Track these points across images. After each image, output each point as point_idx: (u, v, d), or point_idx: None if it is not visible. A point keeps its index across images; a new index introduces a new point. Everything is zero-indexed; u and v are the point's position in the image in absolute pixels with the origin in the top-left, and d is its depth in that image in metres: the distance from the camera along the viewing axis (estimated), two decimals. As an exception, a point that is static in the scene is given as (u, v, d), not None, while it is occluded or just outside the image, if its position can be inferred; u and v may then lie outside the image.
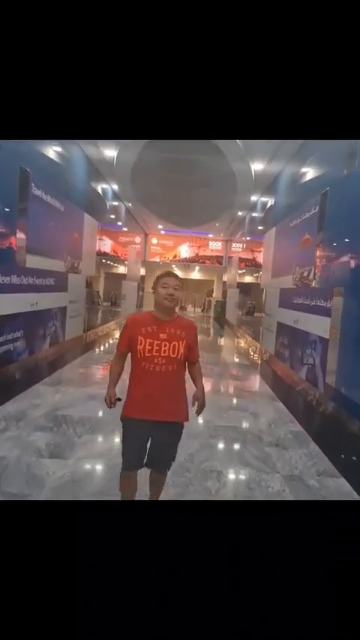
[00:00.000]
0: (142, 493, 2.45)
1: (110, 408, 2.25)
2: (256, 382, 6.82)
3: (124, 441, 2.21)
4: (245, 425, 4.35)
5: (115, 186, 12.83)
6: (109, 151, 10.29)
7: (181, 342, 2.12)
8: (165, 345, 2.10)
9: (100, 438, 3.66)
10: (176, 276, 2.22)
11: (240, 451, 3.63)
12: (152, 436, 2.20)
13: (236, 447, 3.72)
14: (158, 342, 2.11)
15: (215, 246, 22.68)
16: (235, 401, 5.36)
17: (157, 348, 2.10)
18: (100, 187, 12.30)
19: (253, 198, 13.03)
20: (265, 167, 10.37)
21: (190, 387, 2.30)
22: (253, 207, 14.25)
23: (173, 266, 26.70)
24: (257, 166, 10.40)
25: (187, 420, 2.25)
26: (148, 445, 2.22)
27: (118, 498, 2.33)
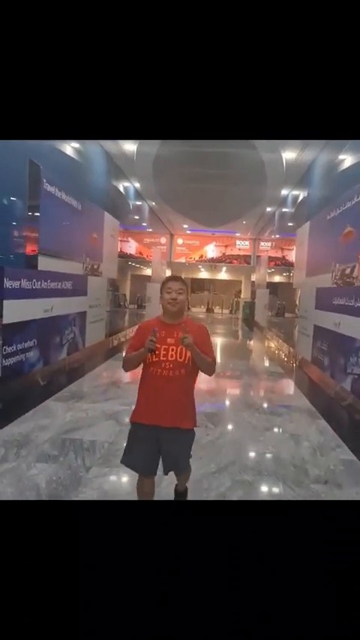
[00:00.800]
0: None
1: (152, 345, 2.06)
2: (292, 394, 6.11)
3: (128, 442, 2.21)
4: (286, 453, 3.68)
5: (138, 184, 12.29)
6: (129, 145, 9.72)
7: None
8: (172, 350, 2.10)
9: (111, 475, 3.07)
10: (180, 280, 2.20)
11: (282, 494, 2.96)
12: (161, 444, 2.15)
13: (276, 489, 3.04)
14: (166, 346, 2.10)
15: (243, 245, 21.91)
16: (269, 419, 4.69)
17: (165, 352, 2.09)
18: (121, 186, 11.82)
19: (284, 191, 12.25)
20: (298, 156, 9.58)
21: (198, 394, 2.24)
22: (283, 202, 13.46)
23: (200, 266, 26.10)
24: (289, 155, 9.62)
25: (195, 426, 2.22)
26: (160, 454, 2.18)
27: (118, 498, 2.32)
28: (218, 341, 13.21)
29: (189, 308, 24.92)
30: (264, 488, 3.00)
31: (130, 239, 20.27)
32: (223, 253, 22.00)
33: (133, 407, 2.21)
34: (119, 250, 20.77)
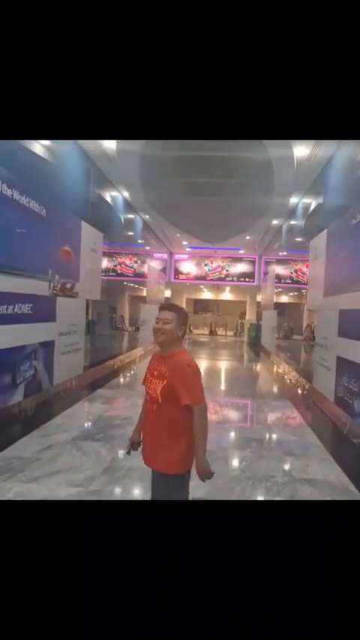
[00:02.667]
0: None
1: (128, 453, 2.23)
2: (312, 450, 4.55)
3: None
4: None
5: (126, 193, 10.99)
6: (110, 144, 8.33)
7: (160, 382, 1.99)
8: (152, 383, 2.05)
9: None
10: (168, 308, 2.09)
11: None
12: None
13: None
14: (150, 378, 2.07)
15: (247, 263, 20.56)
16: (284, 491, 3.15)
17: (149, 384, 2.07)
18: (108, 195, 10.50)
19: (293, 200, 10.87)
20: (311, 153, 8.13)
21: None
22: (291, 213, 12.08)
23: (201, 286, 24.75)
24: (300, 152, 8.19)
25: (172, 472, 1.99)
26: None
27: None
28: (222, 367, 11.71)
29: (191, 330, 23.50)
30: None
31: (124, 257, 18.99)
32: (227, 272, 20.61)
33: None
34: (114, 269, 19.58)
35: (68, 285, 6.91)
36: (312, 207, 10.29)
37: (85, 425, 4.98)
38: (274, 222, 13.43)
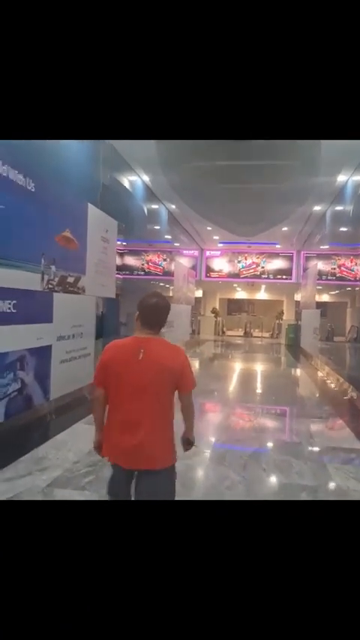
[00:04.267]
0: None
1: None
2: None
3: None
4: None
5: (146, 177, 9.76)
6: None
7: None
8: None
9: None
10: None
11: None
12: None
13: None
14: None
15: (284, 259, 18.95)
16: None
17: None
18: (126, 180, 9.32)
19: (341, 178, 9.29)
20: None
21: None
22: (338, 195, 10.48)
23: (235, 285, 23.32)
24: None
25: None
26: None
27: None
28: (258, 371, 10.33)
29: (224, 332, 22.13)
30: None
31: (151, 254, 17.82)
32: (263, 268, 19.07)
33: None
34: (142, 268, 18.47)
35: (70, 279, 5.77)
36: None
37: (74, 459, 3.79)
38: (317, 208, 11.87)
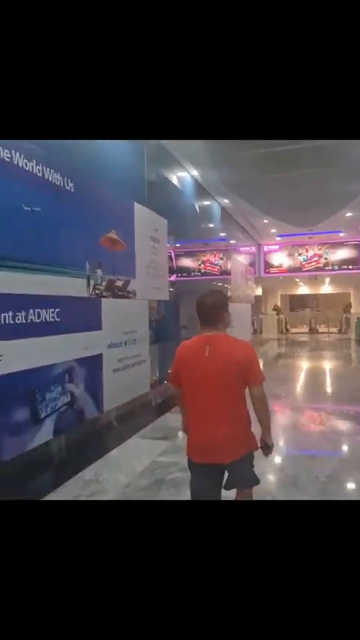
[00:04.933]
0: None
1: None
2: None
3: None
4: None
5: (195, 172, 9.28)
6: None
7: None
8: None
9: None
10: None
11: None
12: None
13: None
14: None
15: (349, 248, 17.64)
16: None
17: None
18: (174, 177, 8.91)
19: None
20: None
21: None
22: None
23: (297, 280, 22.24)
24: None
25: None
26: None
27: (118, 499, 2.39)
28: (327, 369, 9.49)
29: (288, 330, 21.17)
30: None
31: (206, 254, 17.34)
32: (326, 260, 17.89)
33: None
34: (199, 269, 18.06)
35: (119, 283, 5.45)
36: None
37: (125, 482, 3.41)
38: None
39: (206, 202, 11.34)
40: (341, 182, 10.11)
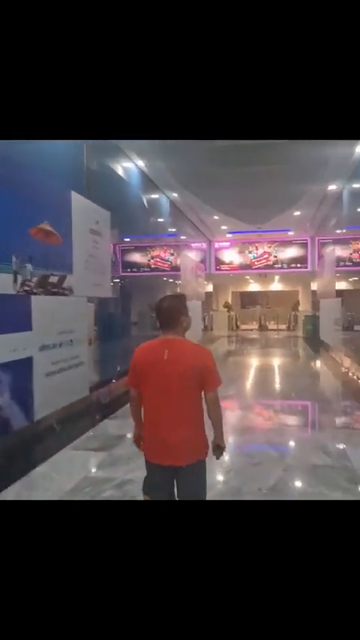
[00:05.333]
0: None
1: None
2: None
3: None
4: None
5: (140, 162, 8.89)
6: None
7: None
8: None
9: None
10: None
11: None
12: None
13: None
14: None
15: (298, 246, 17.93)
16: None
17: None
18: (119, 167, 8.49)
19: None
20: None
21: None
22: (357, 171, 9.48)
23: (247, 277, 22.39)
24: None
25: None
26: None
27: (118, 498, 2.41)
28: (275, 366, 9.46)
29: (238, 327, 21.29)
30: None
31: (156, 250, 17.03)
32: (276, 257, 18.07)
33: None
34: (148, 264, 17.69)
35: (53, 279, 5.01)
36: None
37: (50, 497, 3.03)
38: (331, 187, 10.86)
39: (154, 196, 10.97)
40: (291, 181, 10.09)
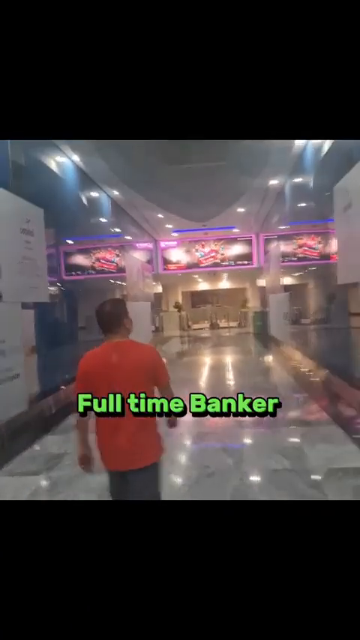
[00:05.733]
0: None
1: None
2: None
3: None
4: None
5: (76, 157, 8.40)
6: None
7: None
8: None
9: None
10: None
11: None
12: None
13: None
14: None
15: (243, 243, 18.02)
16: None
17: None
18: (52, 161, 7.94)
19: (299, 143, 8.30)
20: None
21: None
22: (297, 164, 9.51)
23: (196, 276, 22.33)
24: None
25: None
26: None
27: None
28: (229, 361, 9.31)
29: (189, 326, 21.16)
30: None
31: (101, 251, 16.47)
32: (223, 255, 18.05)
33: None
34: (93, 267, 17.07)
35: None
36: (325, 149, 7.75)
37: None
38: (273, 182, 10.88)
39: (94, 193, 10.47)
40: (232, 176, 9.98)
